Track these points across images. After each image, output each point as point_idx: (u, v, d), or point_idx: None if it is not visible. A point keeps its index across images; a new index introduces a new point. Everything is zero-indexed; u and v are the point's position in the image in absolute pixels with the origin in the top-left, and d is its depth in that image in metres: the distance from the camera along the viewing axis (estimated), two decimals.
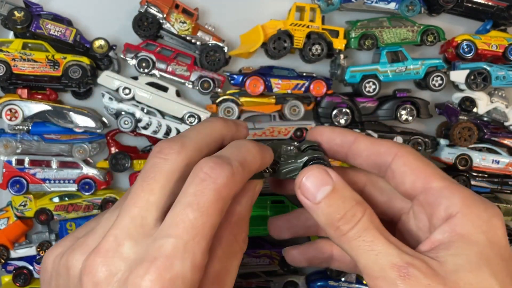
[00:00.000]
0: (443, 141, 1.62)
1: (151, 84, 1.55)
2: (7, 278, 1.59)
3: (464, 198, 0.55)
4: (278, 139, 1.59)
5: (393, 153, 0.61)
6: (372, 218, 0.55)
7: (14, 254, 1.57)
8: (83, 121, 1.53)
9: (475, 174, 1.63)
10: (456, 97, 1.61)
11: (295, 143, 0.63)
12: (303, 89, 1.57)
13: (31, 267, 1.57)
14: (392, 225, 0.67)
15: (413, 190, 0.59)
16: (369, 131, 1.60)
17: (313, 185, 0.55)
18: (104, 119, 1.58)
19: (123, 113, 1.53)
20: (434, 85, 1.58)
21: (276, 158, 0.62)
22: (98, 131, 1.55)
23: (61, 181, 1.55)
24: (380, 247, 0.51)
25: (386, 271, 0.49)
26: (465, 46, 1.57)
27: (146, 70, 1.54)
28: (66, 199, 1.58)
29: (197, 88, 1.56)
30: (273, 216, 0.73)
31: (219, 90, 1.56)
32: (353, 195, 0.56)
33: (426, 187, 0.58)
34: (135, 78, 1.55)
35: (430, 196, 0.57)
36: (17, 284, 1.56)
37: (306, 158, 0.61)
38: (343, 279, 1.62)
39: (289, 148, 0.63)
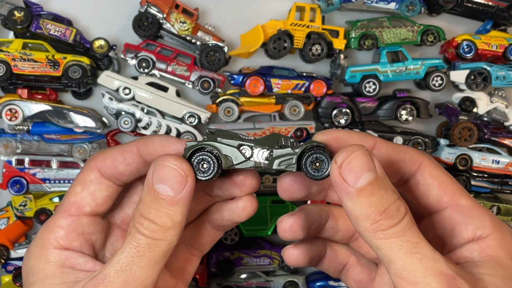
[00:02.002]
0: (443, 141, 1.62)
1: (151, 84, 1.55)
2: (7, 278, 1.59)
3: (493, 221, 0.53)
4: None
5: (418, 162, 0.56)
6: (412, 217, 0.49)
7: (14, 254, 1.57)
8: (83, 121, 1.53)
9: (475, 174, 1.62)
10: (456, 97, 1.61)
11: (299, 143, 0.57)
12: (303, 89, 1.57)
13: None
14: None
15: (438, 205, 0.55)
16: (369, 131, 1.60)
17: (357, 168, 0.48)
18: (104, 119, 1.58)
19: (123, 113, 1.53)
20: (434, 85, 1.58)
21: (269, 148, 0.54)
22: (98, 131, 1.55)
23: (61, 181, 1.55)
24: (425, 251, 0.47)
25: (432, 278, 0.46)
26: (465, 46, 1.57)
27: (146, 70, 1.54)
28: None
29: (197, 88, 1.56)
30: (285, 215, 0.64)
31: (219, 90, 1.56)
32: (394, 188, 0.49)
33: (454, 204, 0.55)
34: (135, 78, 1.55)
35: (458, 214, 0.55)
36: (17, 284, 1.56)
37: (305, 146, 0.53)
38: None
39: (289, 140, 0.55)
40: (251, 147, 0.54)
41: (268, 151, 0.54)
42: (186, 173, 0.51)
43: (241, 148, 0.54)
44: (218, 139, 0.54)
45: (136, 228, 0.51)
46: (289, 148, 0.54)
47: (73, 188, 0.57)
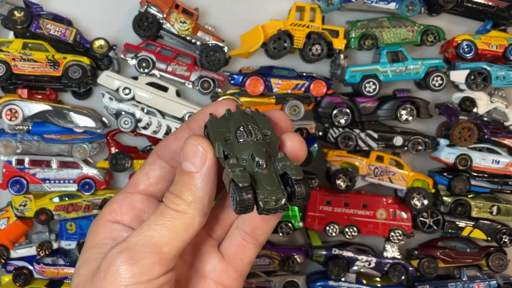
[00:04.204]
0: (443, 141, 1.62)
1: (151, 84, 1.55)
2: (7, 278, 1.59)
3: None
4: None
5: None
6: None
7: (14, 254, 1.57)
8: (83, 121, 1.53)
9: (475, 174, 1.62)
10: (456, 97, 1.61)
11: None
12: (303, 89, 1.57)
13: (31, 267, 1.57)
14: None
15: None
16: (369, 131, 1.60)
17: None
18: (104, 119, 1.58)
19: (123, 113, 1.53)
20: (434, 85, 1.58)
21: (231, 159, 0.53)
22: (98, 131, 1.55)
23: (61, 181, 1.55)
24: None
25: None
26: (465, 46, 1.56)
27: (146, 70, 1.54)
28: (66, 199, 1.58)
29: (197, 88, 1.56)
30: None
31: (219, 90, 1.56)
32: None
33: None
34: (135, 78, 1.55)
35: None
36: (17, 284, 1.56)
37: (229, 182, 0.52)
38: (343, 279, 1.62)
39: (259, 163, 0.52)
40: (224, 152, 0.55)
41: (228, 162, 0.54)
42: (205, 149, 0.54)
43: (219, 144, 0.55)
44: (215, 126, 0.56)
45: (163, 202, 0.55)
46: (230, 171, 0.52)
47: (136, 172, 0.64)
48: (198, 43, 1.54)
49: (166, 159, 0.61)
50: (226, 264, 0.62)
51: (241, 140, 0.55)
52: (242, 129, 0.56)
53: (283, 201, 0.50)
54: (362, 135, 1.59)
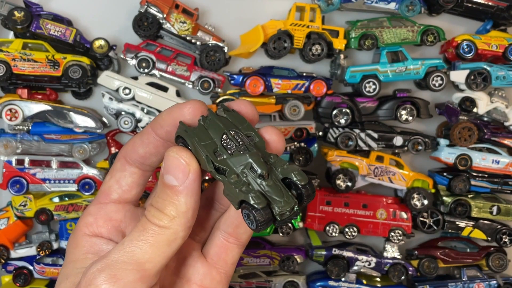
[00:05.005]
0: (443, 141, 1.62)
1: (151, 84, 1.55)
2: (7, 278, 1.59)
3: None
4: None
5: None
6: None
7: (14, 254, 1.57)
8: (83, 121, 1.53)
9: (475, 174, 1.62)
10: (456, 97, 1.61)
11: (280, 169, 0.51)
12: (303, 89, 1.57)
13: (31, 267, 1.57)
14: None
15: None
16: (369, 131, 1.60)
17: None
18: (104, 119, 1.58)
19: (123, 113, 1.53)
20: (434, 85, 1.58)
21: (229, 173, 0.52)
22: (98, 131, 1.55)
23: (61, 181, 1.55)
24: None
25: None
26: (465, 46, 1.57)
27: (146, 70, 1.54)
28: (66, 199, 1.58)
29: (197, 88, 1.56)
30: None
31: (219, 90, 1.56)
32: None
33: None
34: (135, 78, 1.55)
35: None
36: (17, 284, 1.56)
37: (245, 195, 0.50)
38: (343, 279, 1.62)
39: (256, 171, 0.51)
40: (215, 166, 0.53)
41: (226, 174, 0.53)
42: (187, 163, 0.52)
43: (209, 158, 0.53)
44: (196, 139, 0.53)
45: (145, 216, 0.53)
46: (237, 190, 0.51)
47: (105, 178, 0.61)
48: (198, 43, 1.54)
49: (136, 164, 0.59)
50: (209, 267, 0.61)
51: (231, 151, 0.53)
52: (225, 138, 0.54)
53: (296, 208, 0.50)
54: (362, 135, 1.59)
